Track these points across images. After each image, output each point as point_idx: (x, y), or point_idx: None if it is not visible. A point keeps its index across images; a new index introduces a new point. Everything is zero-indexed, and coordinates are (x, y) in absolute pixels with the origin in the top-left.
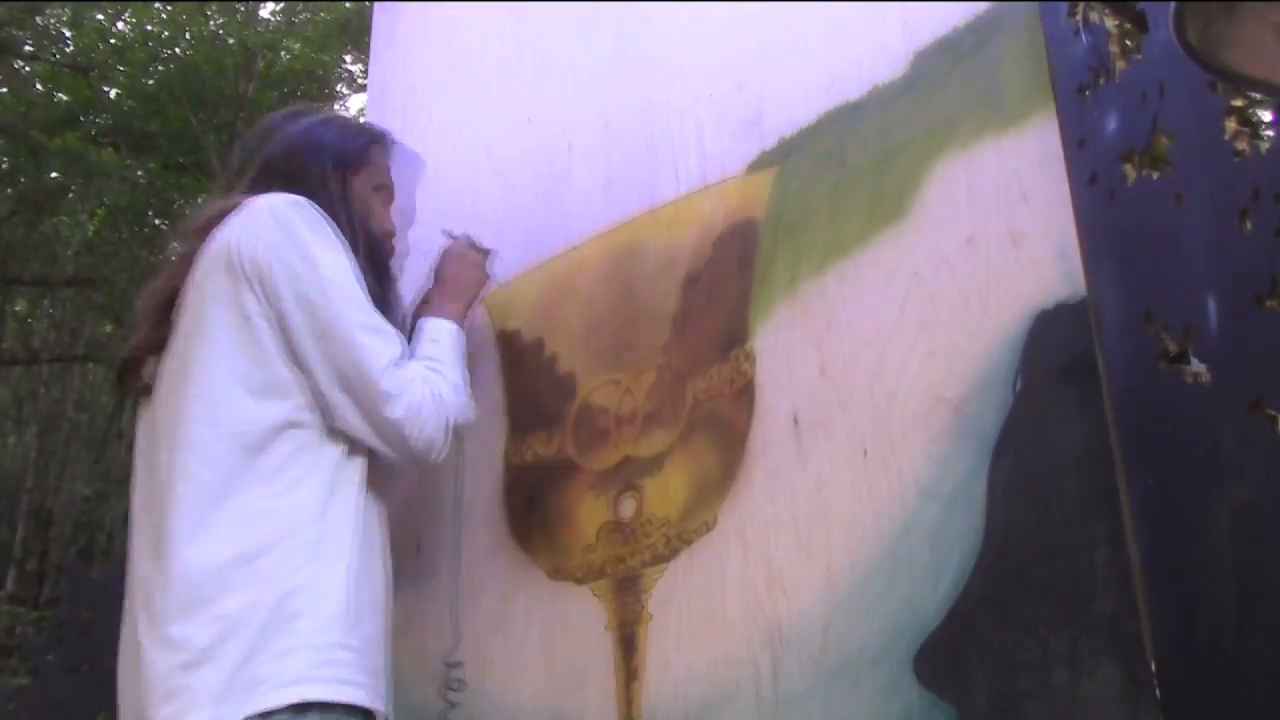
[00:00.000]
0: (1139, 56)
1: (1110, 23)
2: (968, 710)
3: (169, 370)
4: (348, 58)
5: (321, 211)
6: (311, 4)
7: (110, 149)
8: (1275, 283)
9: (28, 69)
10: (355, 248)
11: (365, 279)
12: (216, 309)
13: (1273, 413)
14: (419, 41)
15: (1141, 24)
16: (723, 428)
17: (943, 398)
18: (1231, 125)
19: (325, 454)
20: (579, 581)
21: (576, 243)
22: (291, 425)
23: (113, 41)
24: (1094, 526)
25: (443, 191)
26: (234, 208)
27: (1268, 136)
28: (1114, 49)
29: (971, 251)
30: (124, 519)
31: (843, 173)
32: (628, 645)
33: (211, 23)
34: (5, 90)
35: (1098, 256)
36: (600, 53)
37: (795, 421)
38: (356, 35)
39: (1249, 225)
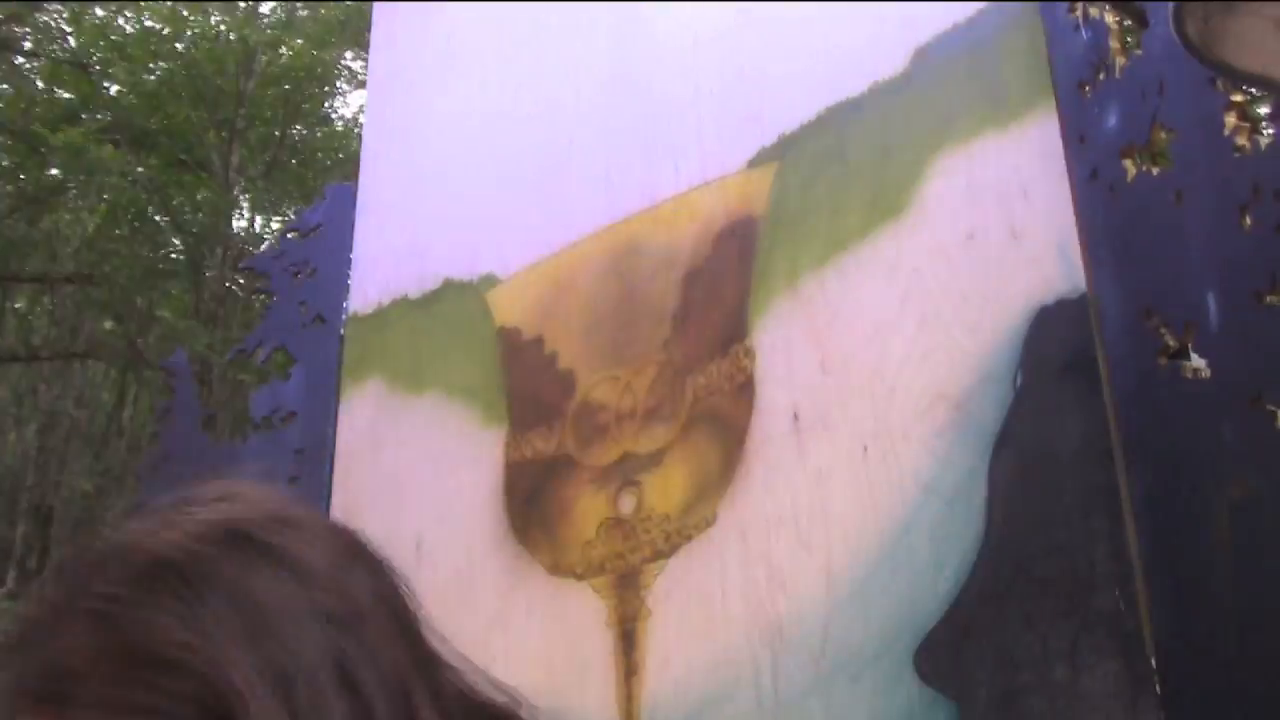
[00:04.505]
0: (1139, 52)
1: (1110, 18)
2: (968, 706)
3: None
4: (348, 54)
5: None
6: (311, 1)
7: (110, 146)
8: (1275, 278)
9: (28, 66)
10: None
11: None
12: None
13: (1272, 408)
14: (419, 39)
15: (1141, 20)
16: (722, 424)
17: (943, 394)
18: (1231, 120)
19: None
20: (579, 577)
21: (576, 239)
22: None
23: (113, 38)
24: (1094, 522)
25: (443, 189)
26: None
27: (1268, 132)
28: (1114, 45)
29: (972, 247)
30: (124, 515)
31: (843, 169)
32: (628, 641)
33: (212, 19)
34: (6, 87)
35: (1098, 252)
36: (600, 50)
37: (795, 417)
38: (357, 32)
39: (1249, 221)
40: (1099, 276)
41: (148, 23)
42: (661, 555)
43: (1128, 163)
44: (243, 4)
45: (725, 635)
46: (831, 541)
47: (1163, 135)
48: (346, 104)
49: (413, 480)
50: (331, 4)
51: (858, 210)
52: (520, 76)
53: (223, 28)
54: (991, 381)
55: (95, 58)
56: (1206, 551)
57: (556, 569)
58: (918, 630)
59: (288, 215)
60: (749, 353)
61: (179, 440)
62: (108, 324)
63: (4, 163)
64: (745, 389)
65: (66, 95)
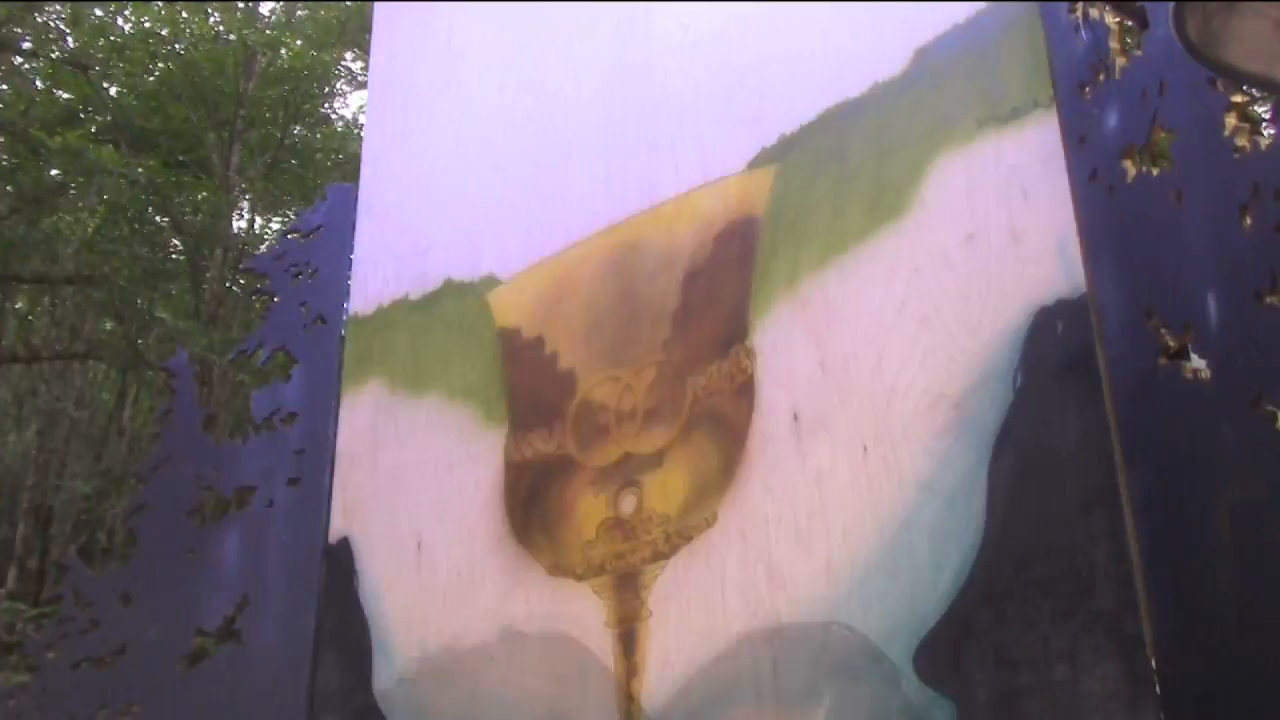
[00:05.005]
0: (1139, 53)
1: (1110, 20)
2: (968, 706)
3: None
4: (348, 55)
5: None
6: (311, 2)
7: (110, 147)
8: (1275, 279)
9: (27, 66)
10: None
11: None
12: None
13: (1272, 409)
14: (419, 40)
15: (1142, 21)
16: (723, 424)
17: (943, 394)
18: (1231, 121)
19: None
20: (579, 578)
21: (576, 240)
22: None
23: (113, 39)
24: (1094, 523)
25: (443, 189)
26: None
27: (1268, 133)
28: (1114, 45)
29: (972, 248)
30: (124, 516)
31: (843, 169)
32: (628, 642)
33: (212, 20)
34: (5, 87)
35: (1098, 253)
36: (600, 50)
37: (795, 418)
38: (356, 33)
39: (1249, 221)
40: (1099, 277)
41: (147, 23)
42: (662, 556)
43: (1128, 163)
44: (242, 5)
45: (726, 635)
46: (831, 541)
47: (1163, 136)
48: (347, 105)
49: (413, 481)
50: (331, 5)
51: (858, 211)
52: (520, 77)
53: (222, 28)
54: (991, 381)
55: (95, 58)
56: (1206, 552)
57: (556, 569)
58: (917, 630)
59: (288, 216)
60: (749, 353)
61: (179, 441)
62: (108, 325)
63: (4, 163)
64: (745, 390)
65: (66, 96)
